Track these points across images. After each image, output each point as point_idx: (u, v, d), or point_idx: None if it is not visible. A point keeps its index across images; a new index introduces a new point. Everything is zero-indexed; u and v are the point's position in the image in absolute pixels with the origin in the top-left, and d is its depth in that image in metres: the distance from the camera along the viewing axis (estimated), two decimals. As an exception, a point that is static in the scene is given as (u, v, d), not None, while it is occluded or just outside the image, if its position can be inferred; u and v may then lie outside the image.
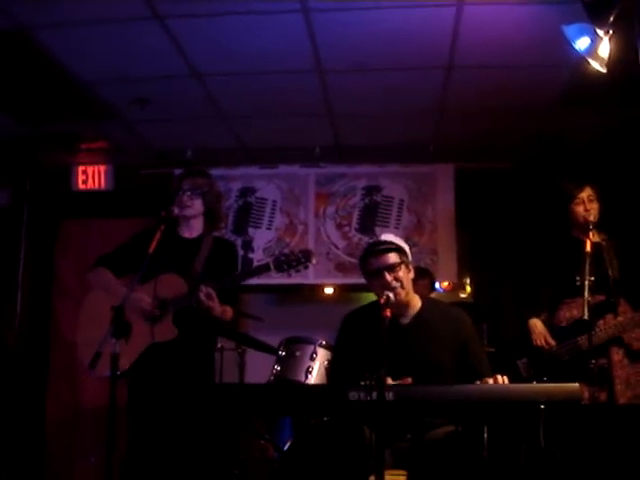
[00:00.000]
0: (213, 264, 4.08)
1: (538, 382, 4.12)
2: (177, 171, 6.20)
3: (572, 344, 4.23)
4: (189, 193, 4.12)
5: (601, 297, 4.22)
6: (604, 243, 4.40)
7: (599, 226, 4.41)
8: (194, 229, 4.21)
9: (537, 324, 4.43)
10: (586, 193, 4.45)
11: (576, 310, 4.23)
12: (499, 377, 3.18)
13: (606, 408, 4.07)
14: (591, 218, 4.36)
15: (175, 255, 4.02)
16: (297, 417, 3.83)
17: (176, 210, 4.04)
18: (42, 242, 6.83)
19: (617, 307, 4.25)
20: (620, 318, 4.23)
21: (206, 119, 5.59)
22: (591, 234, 4.20)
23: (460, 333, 3.55)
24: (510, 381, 3.21)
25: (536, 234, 5.23)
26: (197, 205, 4.16)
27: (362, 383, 2.82)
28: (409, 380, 3.18)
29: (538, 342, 4.37)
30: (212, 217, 4.27)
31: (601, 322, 4.20)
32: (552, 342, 4.33)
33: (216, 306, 3.87)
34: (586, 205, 4.42)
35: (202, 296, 3.81)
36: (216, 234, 4.44)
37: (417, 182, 6.41)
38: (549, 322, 4.44)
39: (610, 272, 4.27)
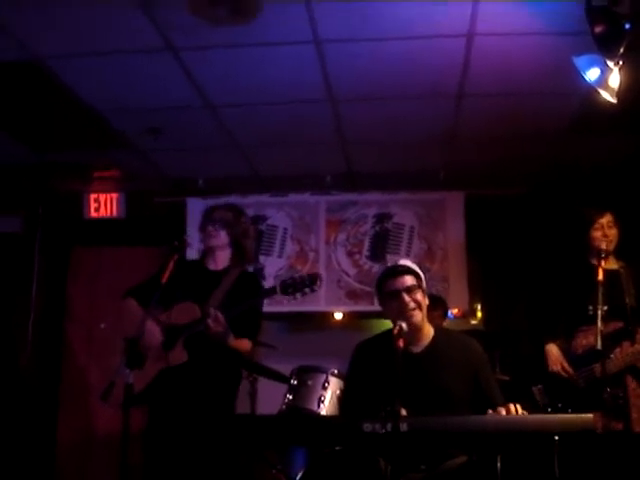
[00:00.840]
0: (234, 296, 4.08)
1: (553, 409, 4.11)
2: (190, 200, 6.28)
3: (588, 372, 4.21)
4: (215, 225, 4.19)
5: (618, 324, 4.21)
6: (622, 270, 4.38)
7: (617, 253, 4.40)
8: (219, 261, 4.25)
9: (553, 350, 4.42)
10: (606, 219, 4.43)
11: (592, 337, 4.19)
12: (511, 406, 3.17)
13: (622, 437, 4.04)
14: (603, 246, 4.33)
15: (197, 285, 4.08)
16: (310, 448, 3.82)
17: (202, 237, 4.09)
18: (54, 268, 6.89)
19: (635, 335, 4.24)
20: (637, 346, 4.20)
21: (219, 148, 5.64)
22: (603, 262, 4.18)
23: (472, 362, 3.53)
24: (524, 408, 3.20)
25: (550, 261, 5.22)
26: (222, 236, 4.21)
27: (382, 415, 2.81)
28: (403, 412, 3.15)
29: (554, 368, 4.35)
30: (239, 251, 4.28)
31: (618, 350, 4.18)
32: (568, 368, 4.32)
33: (223, 331, 3.88)
34: (605, 231, 4.40)
35: (210, 322, 3.83)
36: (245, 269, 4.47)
37: (427, 209, 6.43)
38: (566, 349, 4.43)
39: (627, 300, 4.26)
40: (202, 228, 4.25)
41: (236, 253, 4.27)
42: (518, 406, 3.17)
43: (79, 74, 4.44)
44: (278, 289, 3.92)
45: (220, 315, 3.84)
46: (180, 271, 3.86)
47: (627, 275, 4.38)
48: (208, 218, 4.23)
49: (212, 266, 4.24)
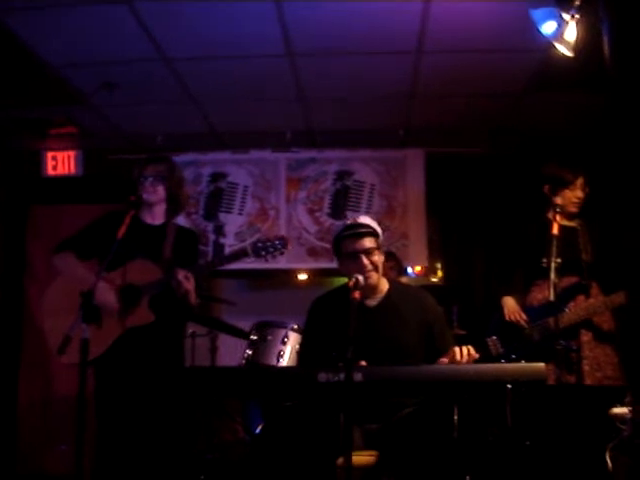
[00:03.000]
0: (178, 251, 4.11)
1: (507, 361, 4.18)
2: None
3: (542, 324, 4.28)
4: (151, 179, 4.14)
5: (574, 279, 4.29)
6: (579, 228, 4.45)
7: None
8: (157, 216, 4.23)
9: (509, 301, 4.50)
10: (580, 181, 4.48)
11: (547, 291, 4.28)
12: (464, 348, 3.23)
13: (574, 389, 4.12)
14: (574, 209, 4.45)
15: (141, 241, 4.02)
16: (267, 399, 3.86)
17: (145, 195, 4.05)
18: (13, 228, 6.79)
19: (589, 289, 4.31)
20: (591, 300, 4.29)
21: (176, 104, 5.56)
22: (559, 216, 4.22)
23: (426, 314, 3.59)
24: (479, 361, 3.25)
25: (507, 217, 5.27)
26: (160, 191, 4.18)
27: (338, 364, 2.83)
28: (363, 363, 3.19)
29: (511, 317, 4.42)
30: (174, 203, 4.28)
31: (572, 304, 4.25)
32: (525, 318, 4.39)
33: (193, 289, 3.92)
34: (577, 192, 4.47)
35: (181, 277, 3.85)
36: (180, 222, 4.46)
37: (387, 167, 6.43)
38: (522, 303, 4.50)
39: (584, 255, 4.33)
40: (136, 182, 4.17)
41: (171, 206, 4.27)
42: (470, 347, 3.23)
43: (33, 28, 4.34)
44: (249, 251, 3.96)
45: (190, 274, 3.88)
46: (117, 227, 3.75)
47: (584, 232, 4.45)
48: (142, 173, 4.17)
49: (149, 220, 4.21)
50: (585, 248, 4.37)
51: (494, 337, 4.40)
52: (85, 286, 3.51)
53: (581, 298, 4.31)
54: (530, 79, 5.07)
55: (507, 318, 4.43)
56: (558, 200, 4.36)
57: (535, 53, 4.58)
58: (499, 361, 4.21)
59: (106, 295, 3.87)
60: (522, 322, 4.38)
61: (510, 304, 4.48)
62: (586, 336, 4.28)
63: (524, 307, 4.46)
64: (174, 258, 4.05)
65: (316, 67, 4.93)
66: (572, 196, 4.46)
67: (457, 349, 3.23)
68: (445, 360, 3.31)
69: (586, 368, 4.20)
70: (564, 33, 3.49)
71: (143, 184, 4.13)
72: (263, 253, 3.94)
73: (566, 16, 3.40)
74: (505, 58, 4.76)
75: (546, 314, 4.22)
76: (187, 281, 3.87)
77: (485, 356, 4.22)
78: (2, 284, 6.66)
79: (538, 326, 4.31)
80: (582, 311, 4.24)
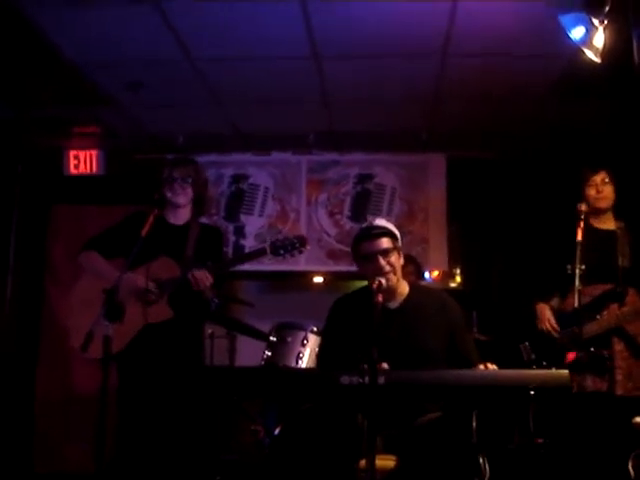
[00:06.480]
0: (201, 249, 4.14)
1: (538, 367, 4.13)
2: (169, 157, 6.21)
3: (571, 332, 4.22)
4: (180, 181, 4.18)
5: (609, 286, 4.22)
6: (619, 231, 4.37)
7: (617, 213, 4.39)
8: (181, 216, 4.27)
9: (543, 309, 4.42)
10: (600, 177, 4.39)
11: (584, 298, 4.23)
12: (489, 365, 3.20)
13: (604, 398, 4.08)
14: (602, 204, 4.36)
15: (165, 241, 4.07)
16: (287, 401, 3.85)
17: (169, 194, 4.08)
18: (34, 227, 6.82)
19: (624, 297, 4.22)
20: (624, 308, 4.19)
21: (200, 104, 5.56)
22: (582, 223, 4.14)
23: (448, 317, 3.56)
24: (507, 366, 3.22)
25: (530, 224, 5.22)
26: (188, 193, 4.23)
27: (360, 366, 2.81)
28: (385, 365, 3.16)
29: (542, 326, 4.36)
30: (199, 204, 4.34)
31: (605, 312, 4.18)
32: (556, 326, 4.33)
33: (208, 287, 3.94)
34: (598, 187, 4.38)
35: (196, 275, 3.88)
36: (204, 220, 4.49)
37: (409, 171, 6.43)
38: (559, 308, 4.43)
39: (620, 261, 4.25)
40: (164, 184, 4.21)
41: (197, 206, 4.32)
42: (494, 366, 3.21)
43: (58, 26, 4.34)
44: (268, 250, 3.98)
45: (206, 274, 3.89)
46: (141, 227, 3.81)
47: (623, 236, 4.35)
48: (170, 175, 4.20)
49: (173, 220, 4.26)
50: (622, 252, 4.28)
51: (526, 343, 4.35)
52: (108, 284, 3.54)
53: (614, 306, 4.22)
54: (555, 84, 5.04)
55: (539, 327, 4.37)
56: (583, 205, 4.29)
57: (560, 58, 4.56)
58: (530, 367, 4.17)
59: (128, 293, 3.89)
60: (553, 332, 4.32)
61: (543, 313, 4.41)
62: (619, 345, 4.20)
63: (559, 312, 4.39)
64: (198, 256, 4.08)
65: (341, 70, 4.91)
66: (593, 193, 4.40)
67: (489, 364, 3.20)
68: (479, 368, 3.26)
69: (619, 377, 4.12)
70: (592, 39, 3.46)
71: (172, 185, 4.18)
72: (282, 252, 3.95)
73: (595, 21, 3.37)
74: (530, 62, 4.73)
75: (575, 321, 4.17)
76: (202, 280, 3.89)
77: (518, 362, 4.20)
78: (22, 284, 6.68)
79: (567, 333, 4.25)
80: (613, 319, 4.16)
